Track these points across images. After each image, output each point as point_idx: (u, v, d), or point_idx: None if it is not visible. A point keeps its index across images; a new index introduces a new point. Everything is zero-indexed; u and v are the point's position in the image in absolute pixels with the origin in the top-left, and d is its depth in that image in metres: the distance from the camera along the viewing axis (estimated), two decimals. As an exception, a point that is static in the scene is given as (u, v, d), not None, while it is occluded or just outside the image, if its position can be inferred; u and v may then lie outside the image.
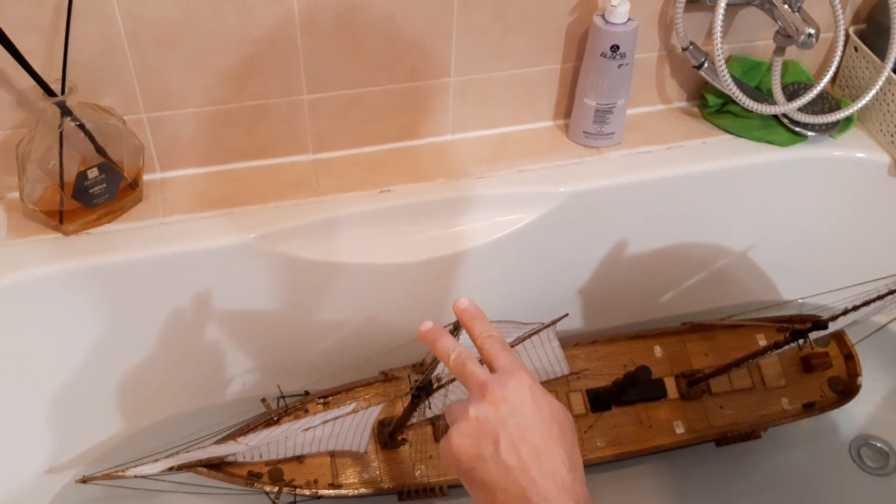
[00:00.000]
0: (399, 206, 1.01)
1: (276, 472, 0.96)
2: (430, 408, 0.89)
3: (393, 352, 1.14)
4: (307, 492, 0.95)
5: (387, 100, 1.03)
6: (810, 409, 1.06)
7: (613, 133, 1.08)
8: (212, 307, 1.01)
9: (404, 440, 0.99)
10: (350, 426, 0.93)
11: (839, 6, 1.00)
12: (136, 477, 0.91)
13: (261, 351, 1.09)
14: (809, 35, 0.96)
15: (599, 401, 1.03)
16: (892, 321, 1.14)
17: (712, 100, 1.12)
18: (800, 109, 1.07)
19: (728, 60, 1.11)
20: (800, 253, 1.23)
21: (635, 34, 0.99)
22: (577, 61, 1.06)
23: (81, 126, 0.87)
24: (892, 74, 1.05)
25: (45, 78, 0.84)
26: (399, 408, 1.01)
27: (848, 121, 1.12)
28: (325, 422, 0.90)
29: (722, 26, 0.98)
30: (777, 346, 0.95)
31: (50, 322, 0.94)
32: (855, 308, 0.87)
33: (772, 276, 1.26)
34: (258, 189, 1.01)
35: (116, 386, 1.05)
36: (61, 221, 0.91)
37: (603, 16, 0.99)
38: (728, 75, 1.02)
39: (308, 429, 0.90)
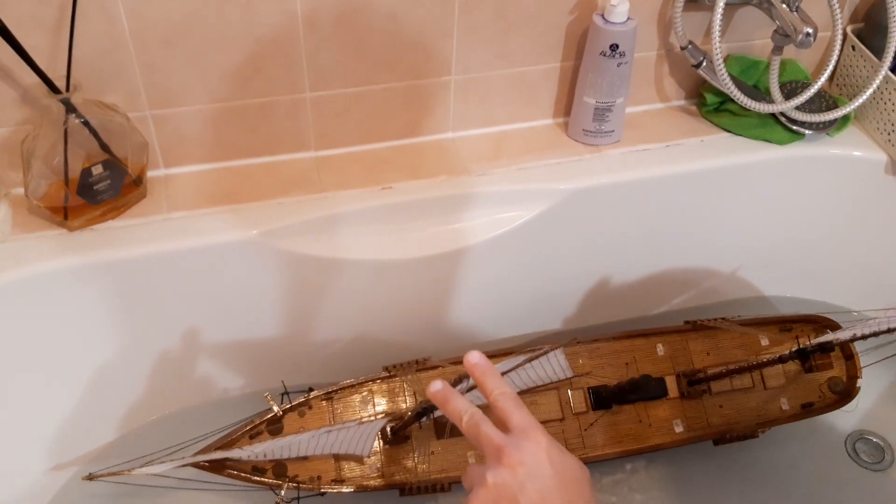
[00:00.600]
0: (400, 202, 1.02)
1: (279, 468, 0.97)
2: (435, 415, 0.90)
3: (395, 346, 1.15)
4: (311, 487, 0.96)
5: (388, 98, 1.04)
6: (809, 409, 1.06)
7: (613, 131, 1.09)
8: (215, 303, 1.02)
9: (407, 436, 1.00)
10: (355, 435, 0.94)
11: (837, 5, 1.01)
12: (142, 475, 0.93)
13: (264, 346, 1.10)
14: (807, 34, 0.97)
15: (601, 399, 1.04)
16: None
17: (710, 98, 1.13)
18: (797, 108, 1.08)
19: (726, 59, 1.12)
20: (797, 250, 1.24)
21: (634, 33, 1.00)
22: (576, 60, 1.07)
23: (86, 123, 0.88)
24: (890, 73, 1.06)
25: (50, 75, 0.85)
26: (402, 404, 1.02)
27: (845, 119, 1.13)
28: (330, 431, 0.91)
29: (720, 25, 0.99)
30: (781, 359, 0.96)
31: (54, 318, 0.95)
32: (863, 337, 0.87)
33: (770, 273, 1.27)
34: (261, 186, 1.02)
35: (120, 381, 1.06)
36: (66, 217, 0.93)
37: (602, 15, 1.00)
38: (726, 74, 1.04)
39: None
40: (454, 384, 0.65)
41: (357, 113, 1.04)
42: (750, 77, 1.12)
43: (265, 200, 1.00)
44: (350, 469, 0.98)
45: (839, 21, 1.03)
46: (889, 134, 1.10)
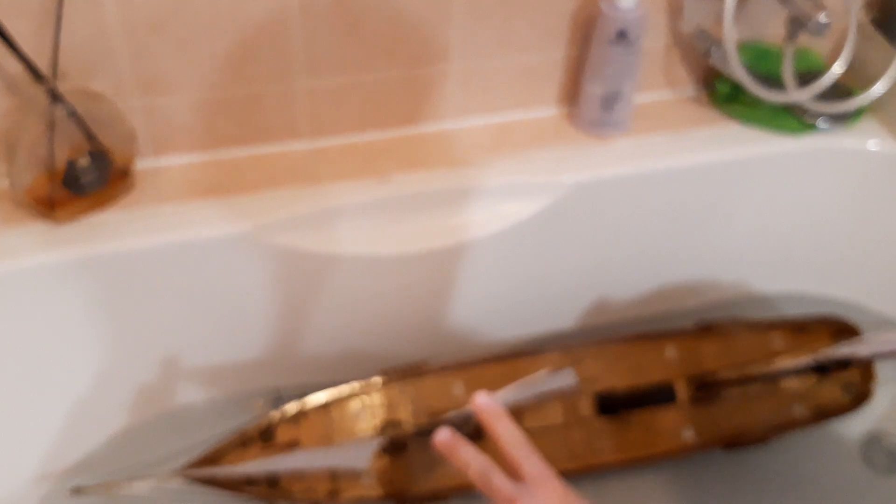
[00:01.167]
0: (399, 195, 1.01)
1: (272, 480, 0.95)
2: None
3: (393, 346, 1.14)
4: (305, 499, 0.95)
5: (386, 86, 1.03)
6: (823, 414, 1.05)
7: (620, 121, 1.08)
8: (205, 299, 1.01)
9: (405, 444, 1.00)
10: (351, 450, 0.94)
11: (853, -9, 1.00)
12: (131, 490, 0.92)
13: (256, 345, 1.09)
14: (821, 21, 0.96)
15: (608, 404, 1.02)
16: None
17: (722, 87, 1.12)
18: (811, 98, 1.07)
19: (738, 47, 1.11)
20: (810, 245, 1.23)
21: (643, 20, 0.99)
22: (582, 47, 1.06)
23: (72, 112, 0.87)
24: (907, 62, 1.05)
25: (35, 63, 0.84)
26: (401, 411, 1.01)
27: (861, 110, 1.11)
28: (328, 450, 0.92)
29: (732, 13, 0.98)
30: (798, 372, 0.95)
31: (38, 315, 0.94)
32: (883, 355, 0.87)
33: (782, 269, 1.27)
34: (253, 177, 1.01)
35: (107, 382, 1.05)
36: (51, 210, 0.91)
37: (610, 0, 0.98)
38: (738, 62, 1.02)
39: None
40: (459, 423, 0.64)
41: (353, 101, 1.03)
42: (762, 66, 1.11)
43: (258, 192, 0.99)
44: (346, 480, 0.97)
45: (854, 8, 1.02)
46: (906, 125, 1.09)
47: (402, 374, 1.02)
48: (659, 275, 1.22)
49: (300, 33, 0.94)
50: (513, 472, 0.59)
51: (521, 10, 1.00)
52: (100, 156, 0.91)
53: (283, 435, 0.96)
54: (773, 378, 0.99)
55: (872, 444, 1.13)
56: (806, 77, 1.09)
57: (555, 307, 1.20)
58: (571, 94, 1.11)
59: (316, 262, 1.00)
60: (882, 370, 1.06)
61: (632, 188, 1.07)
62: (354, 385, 1.00)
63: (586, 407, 1.02)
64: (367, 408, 0.99)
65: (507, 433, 0.61)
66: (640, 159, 1.07)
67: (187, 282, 0.98)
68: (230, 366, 1.11)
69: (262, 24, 0.92)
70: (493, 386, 1.01)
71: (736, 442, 1.04)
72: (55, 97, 0.85)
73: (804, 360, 0.98)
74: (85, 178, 0.91)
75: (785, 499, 1.07)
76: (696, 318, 1.11)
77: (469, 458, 0.60)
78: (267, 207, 0.97)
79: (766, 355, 1.06)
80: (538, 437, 0.88)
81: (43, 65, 0.84)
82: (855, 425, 1.11)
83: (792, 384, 1.05)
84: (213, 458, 0.95)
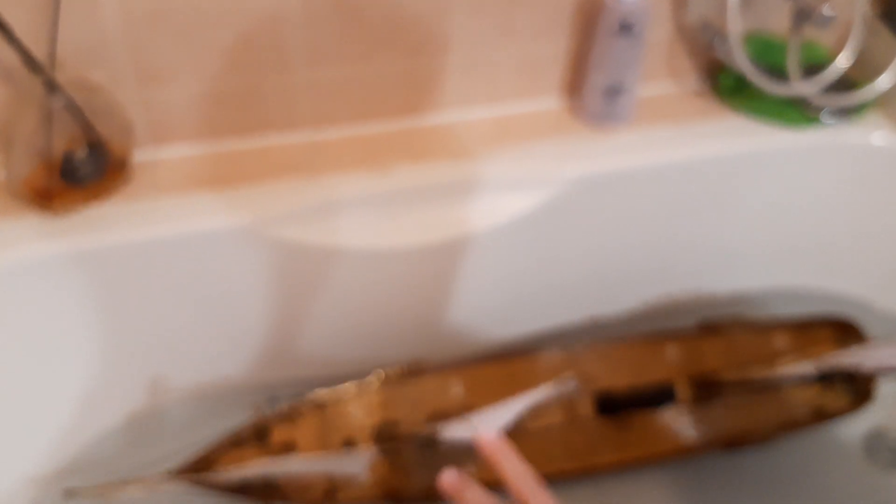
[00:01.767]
0: (400, 188, 1.00)
1: (268, 481, 0.95)
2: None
3: (393, 341, 1.14)
4: (301, 501, 0.95)
5: (386, 77, 1.03)
6: (825, 416, 1.05)
7: (623, 113, 1.07)
8: (202, 293, 1.01)
9: (402, 445, 1.00)
10: (349, 458, 0.94)
11: (859, -17, 1.00)
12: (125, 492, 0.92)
13: (254, 340, 1.09)
14: (826, 14, 0.97)
15: (608, 404, 1.02)
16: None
17: (725, 80, 1.12)
18: (816, 91, 1.07)
19: (743, 39, 1.11)
20: (814, 240, 1.23)
21: (647, 11, 0.99)
22: (585, 39, 1.06)
23: (69, 103, 0.87)
24: (913, 55, 1.05)
25: (32, 53, 0.83)
26: (398, 411, 1.01)
27: (865, 103, 1.11)
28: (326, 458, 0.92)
29: (737, 4, 0.98)
30: (803, 380, 0.96)
31: (35, 307, 0.94)
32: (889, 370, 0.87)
33: (785, 264, 1.27)
34: (252, 169, 1.00)
35: (102, 377, 1.05)
36: (49, 201, 0.91)
37: (614, -9, 0.98)
38: (743, 54, 1.02)
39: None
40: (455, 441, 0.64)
41: (353, 93, 1.03)
42: (767, 58, 1.11)
43: (257, 184, 0.98)
44: (342, 481, 0.97)
45: (860, 0, 1.02)
46: (912, 119, 1.09)
47: (399, 373, 1.02)
48: (661, 269, 1.22)
49: (300, 23, 0.94)
50: None
51: (522, 1, 1.00)
52: (97, 147, 0.91)
53: (278, 435, 0.96)
54: (776, 383, 0.99)
55: (876, 441, 1.14)
56: (811, 70, 1.09)
57: (556, 302, 1.20)
58: (574, 85, 1.11)
59: (315, 255, 1.00)
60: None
61: (634, 181, 1.07)
62: (351, 384, 1.01)
63: (586, 407, 1.02)
64: (364, 407, 0.99)
65: (514, 470, 0.61)
66: (642, 152, 1.06)
67: (184, 275, 0.98)
68: (227, 362, 1.11)
69: (261, 14, 0.92)
70: (491, 386, 1.01)
71: (737, 442, 1.04)
72: (52, 88, 0.85)
73: (807, 366, 0.98)
74: (82, 170, 0.91)
75: (789, 498, 1.07)
76: (697, 312, 1.11)
77: (478, 501, 0.60)
78: (266, 199, 0.97)
79: (768, 356, 1.06)
80: (537, 437, 0.89)
81: (40, 55, 0.84)
82: (858, 422, 1.12)
83: (794, 390, 1.05)
84: (207, 459, 0.95)
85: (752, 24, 1.12)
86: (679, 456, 1.03)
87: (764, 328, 1.08)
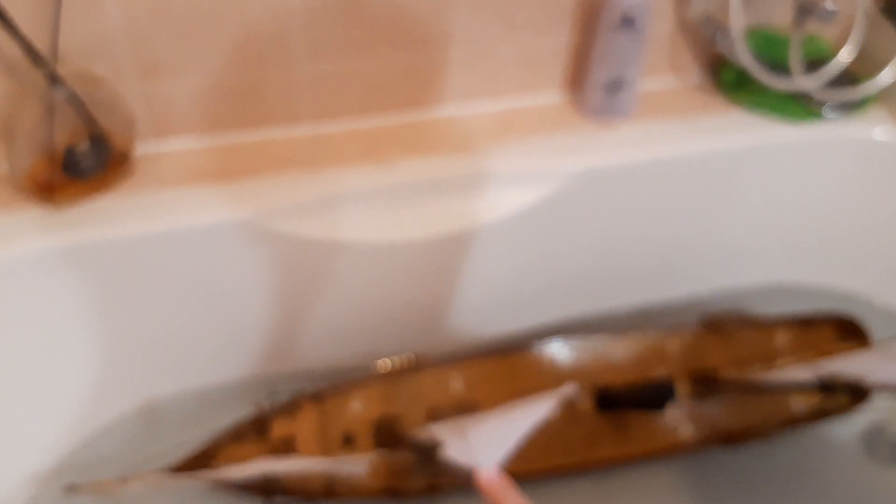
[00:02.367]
0: (402, 181, 1.01)
1: (268, 474, 0.96)
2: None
3: (394, 335, 1.14)
4: (300, 496, 0.96)
5: (388, 71, 1.03)
6: (823, 414, 1.06)
7: (624, 108, 1.08)
8: (203, 287, 1.02)
9: (401, 440, 1.00)
10: (349, 460, 0.95)
11: (861, -22, 1.01)
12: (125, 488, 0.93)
13: (255, 334, 1.10)
14: (829, 9, 0.97)
15: (607, 400, 1.03)
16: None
17: (727, 74, 1.13)
18: (818, 85, 1.07)
19: (745, 34, 1.11)
20: (815, 236, 1.24)
21: (649, 6, 0.99)
22: (587, 33, 1.06)
23: (72, 96, 0.87)
24: (916, 50, 1.05)
25: (35, 46, 0.84)
26: (398, 406, 1.01)
27: (867, 98, 1.12)
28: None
29: (739, -3, 0.99)
30: (801, 386, 0.96)
31: (36, 300, 0.95)
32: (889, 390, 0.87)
33: (786, 259, 1.27)
34: (254, 163, 1.01)
35: (103, 371, 1.05)
36: (51, 194, 0.92)
37: (616, -15, 0.99)
38: (745, 49, 1.03)
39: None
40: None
41: (355, 86, 1.03)
42: (769, 52, 1.11)
43: (258, 178, 0.99)
44: (342, 477, 0.97)
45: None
46: (914, 114, 1.09)
47: (400, 367, 1.02)
48: (662, 264, 1.22)
49: (302, 17, 0.95)
50: None
51: (525, -5, 1.01)
52: (99, 140, 0.91)
53: (278, 429, 0.97)
54: (775, 387, 0.99)
55: (876, 436, 1.14)
56: (813, 64, 1.09)
57: (556, 296, 1.20)
58: (576, 80, 1.11)
59: (317, 248, 1.01)
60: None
61: (636, 175, 1.08)
62: (351, 379, 1.01)
63: (585, 402, 1.03)
64: (364, 402, 1.00)
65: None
66: (644, 146, 1.07)
67: (186, 268, 0.99)
68: (227, 356, 1.12)
69: (264, 7, 0.92)
70: (491, 382, 1.02)
71: (736, 439, 1.05)
72: (54, 80, 0.86)
73: (808, 374, 0.98)
74: (84, 163, 0.91)
75: (789, 494, 1.08)
76: (698, 309, 1.11)
77: None
78: (268, 193, 0.97)
79: (769, 354, 1.07)
80: (536, 433, 0.89)
81: (43, 48, 0.84)
82: (857, 418, 1.12)
83: (794, 392, 1.06)
84: (207, 454, 0.96)
85: (754, 18, 1.12)
86: (678, 452, 1.04)
87: (765, 325, 1.09)
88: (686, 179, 1.11)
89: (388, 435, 0.99)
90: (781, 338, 1.09)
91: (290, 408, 0.99)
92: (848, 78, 1.11)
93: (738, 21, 1.00)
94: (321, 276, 1.05)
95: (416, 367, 1.03)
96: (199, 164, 1.00)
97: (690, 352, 1.07)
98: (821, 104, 1.10)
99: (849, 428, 1.13)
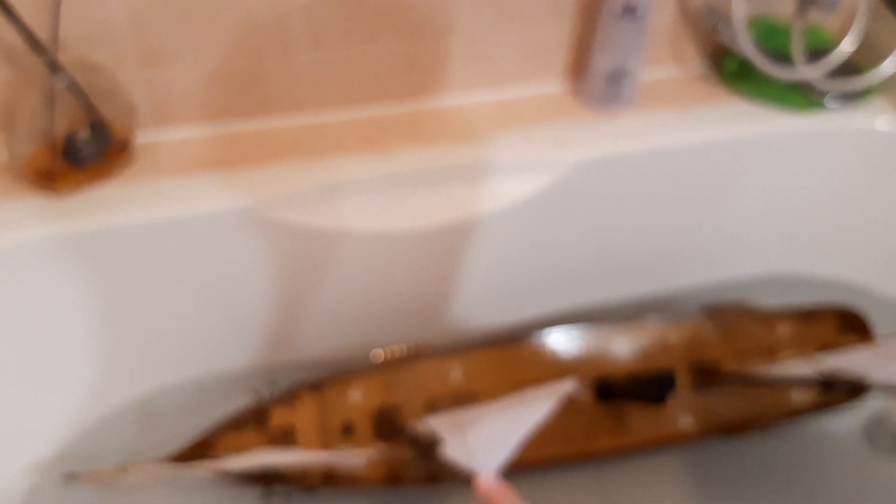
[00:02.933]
0: (402, 171, 1.01)
1: (269, 464, 0.96)
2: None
3: (393, 325, 1.15)
4: (301, 486, 0.96)
5: (389, 59, 1.03)
6: (824, 405, 1.06)
7: (626, 98, 1.08)
8: (203, 276, 1.02)
9: (400, 429, 1.01)
10: (349, 454, 0.95)
11: (864, -33, 1.01)
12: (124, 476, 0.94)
13: (255, 323, 1.10)
14: (831, -4, 0.97)
15: (607, 391, 1.03)
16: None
17: (730, 64, 1.13)
18: (820, 75, 1.08)
19: (747, 23, 1.11)
20: (817, 226, 1.24)
21: (651, -6, 0.99)
22: (589, 22, 1.07)
23: (72, 84, 0.88)
24: (918, 40, 1.05)
25: (35, 33, 0.84)
26: (398, 396, 1.02)
27: (870, 89, 1.12)
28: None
29: (741, -13, 0.99)
30: (801, 381, 0.96)
31: (36, 288, 0.95)
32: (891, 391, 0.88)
33: (788, 250, 1.27)
34: (255, 151, 1.01)
35: (103, 360, 1.06)
36: (52, 182, 0.92)
37: (617, -26, 0.99)
38: (747, 38, 1.03)
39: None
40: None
41: (356, 75, 1.04)
42: (772, 42, 1.11)
43: (259, 167, 0.99)
44: (341, 466, 0.98)
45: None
46: (916, 104, 1.09)
47: (399, 357, 1.03)
48: (663, 255, 1.22)
49: (303, 5, 0.95)
50: None
51: (527, -17, 1.01)
52: (100, 128, 0.92)
53: (277, 419, 0.98)
54: (776, 382, 0.99)
55: (877, 426, 1.14)
56: (815, 54, 1.10)
57: (557, 286, 1.21)
58: (577, 69, 1.12)
59: (317, 237, 1.01)
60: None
61: (637, 165, 1.08)
62: (351, 368, 1.02)
63: (585, 392, 1.03)
64: (364, 391, 1.00)
65: None
66: (645, 136, 1.07)
67: (186, 257, 0.99)
68: (227, 345, 1.12)
69: (265, -5, 0.93)
70: (491, 372, 1.02)
71: (736, 430, 1.05)
72: (55, 68, 0.86)
73: (810, 370, 0.98)
74: (84, 151, 0.92)
75: (789, 485, 1.08)
76: (699, 299, 1.11)
77: None
78: (268, 182, 0.98)
79: (770, 346, 1.07)
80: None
81: (43, 35, 0.85)
82: (858, 408, 1.13)
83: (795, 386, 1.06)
84: (207, 443, 0.96)
85: (756, 8, 1.12)
86: (678, 443, 1.04)
87: (766, 316, 1.09)
88: (688, 169, 1.11)
89: (387, 425, 0.99)
90: (783, 329, 1.09)
91: (289, 397, 0.99)
92: (850, 68, 1.11)
93: (740, 11, 1.00)
94: (321, 265, 1.05)
95: (415, 357, 1.03)
96: (199, 153, 1.01)
97: (691, 343, 1.07)
98: (823, 94, 1.10)
99: (849, 418, 1.13)
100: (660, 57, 1.14)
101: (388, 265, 1.07)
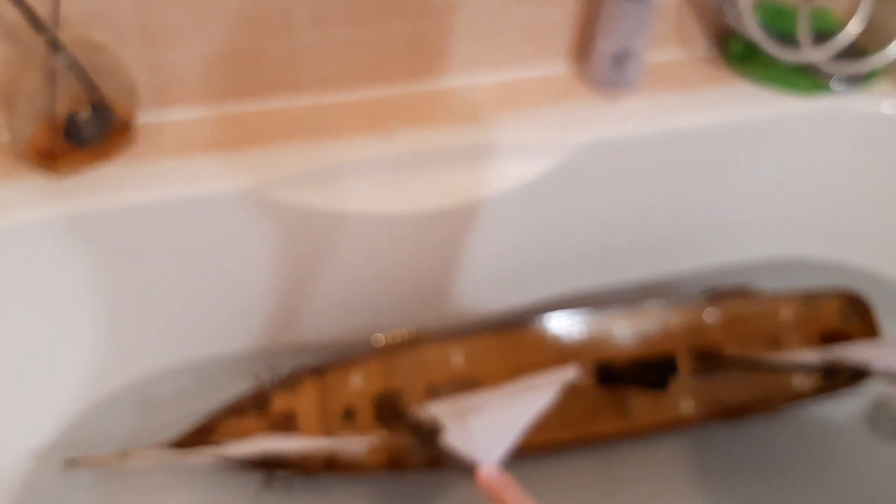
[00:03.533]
0: (405, 152, 1.01)
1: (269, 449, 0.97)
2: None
3: (395, 308, 1.15)
4: (301, 471, 0.97)
5: (392, 40, 1.03)
6: (826, 390, 1.07)
7: (631, 80, 1.08)
8: (204, 257, 1.02)
9: (402, 415, 1.01)
10: (350, 441, 0.96)
11: (870, -52, 1.01)
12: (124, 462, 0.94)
13: (256, 306, 1.11)
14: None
15: (608, 375, 1.03)
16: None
17: (735, 46, 1.13)
18: (826, 58, 1.08)
19: (753, 5, 1.11)
20: (822, 210, 1.24)
21: (656, -25, 1.00)
22: (594, 3, 1.07)
23: (73, 63, 0.88)
24: (925, 23, 1.06)
25: (36, 11, 0.84)
26: (399, 380, 1.02)
27: (876, 71, 1.12)
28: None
29: (748, -32, 0.99)
30: (804, 368, 0.96)
31: (36, 269, 0.95)
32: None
33: (793, 233, 1.28)
34: (256, 132, 1.01)
35: (103, 342, 1.06)
36: (53, 162, 0.93)
37: (623, -46, 0.99)
38: (753, 20, 1.03)
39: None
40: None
41: (358, 56, 1.04)
42: (777, 24, 1.11)
43: (261, 148, 0.99)
44: (343, 452, 0.98)
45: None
46: (922, 87, 1.10)
47: (401, 341, 1.03)
48: (667, 238, 1.22)
49: (306, -16, 0.95)
50: None
51: (532, -36, 1.01)
52: (101, 108, 0.92)
53: (278, 403, 0.98)
54: (779, 368, 0.99)
55: (879, 411, 1.15)
56: (821, 37, 1.10)
57: (560, 269, 1.21)
58: (581, 51, 1.12)
59: (318, 219, 1.01)
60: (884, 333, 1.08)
61: (641, 148, 1.08)
62: (352, 353, 1.02)
63: (586, 376, 1.03)
64: (365, 376, 1.01)
65: (516, 500, 0.64)
66: (650, 119, 1.07)
67: (187, 239, 0.99)
68: (228, 329, 1.12)
69: (268, -25, 0.93)
70: (492, 357, 1.02)
71: (738, 414, 1.06)
72: (56, 47, 0.86)
73: (813, 357, 0.99)
74: (86, 131, 0.92)
75: (791, 469, 1.08)
76: (702, 283, 1.11)
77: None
78: (270, 163, 0.98)
79: (773, 330, 1.07)
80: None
81: (44, 13, 0.85)
82: (861, 393, 1.13)
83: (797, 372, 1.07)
84: (207, 428, 0.96)
85: (762, -11, 1.12)
86: (680, 427, 1.05)
87: (770, 300, 1.09)
88: (692, 152, 1.11)
89: (388, 410, 0.99)
90: (785, 313, 1.09)
91: (290, 382, 0.99)
92: (856, 50, 1.11)
93: (746, -9, 1.00)
94: (322, 248, 1.05)
95: (417, 341, 1.03)
96: (200, 134, 1.01)
97: (694, 326, 1.07)
98: (829, 77, 1.10)
99: (852, 403, 1.14)
100: (665, 39, 1.15)
101: (390, 248, 1.07)
